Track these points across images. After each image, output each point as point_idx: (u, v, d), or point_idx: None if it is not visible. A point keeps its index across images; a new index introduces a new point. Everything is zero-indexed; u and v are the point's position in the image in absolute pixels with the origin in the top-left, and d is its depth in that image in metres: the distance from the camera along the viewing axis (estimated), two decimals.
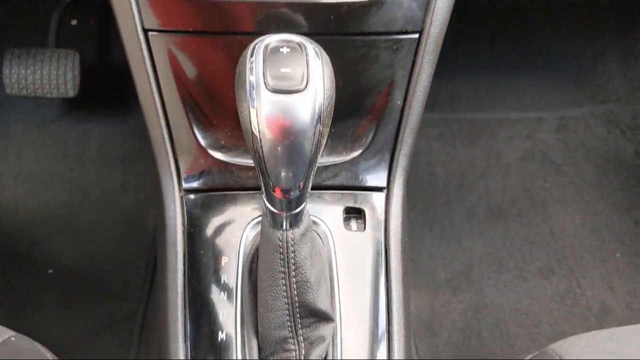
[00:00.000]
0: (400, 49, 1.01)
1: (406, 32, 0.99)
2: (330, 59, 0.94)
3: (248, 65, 0.79)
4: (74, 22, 2.17)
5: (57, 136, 2.14)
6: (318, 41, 0.95)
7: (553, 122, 2.20)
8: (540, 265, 1.89)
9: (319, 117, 0.78)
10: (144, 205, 2.02)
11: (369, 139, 1.09)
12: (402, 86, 1.04)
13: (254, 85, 0.78)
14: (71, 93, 1.92)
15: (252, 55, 0.80)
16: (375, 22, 0.97)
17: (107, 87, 2.14)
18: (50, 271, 1.84)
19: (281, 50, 0.80)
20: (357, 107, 1.06)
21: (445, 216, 2.03)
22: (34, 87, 1.90)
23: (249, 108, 0.77)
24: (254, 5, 0.94)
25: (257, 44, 0.81)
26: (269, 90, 0.76)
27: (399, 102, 1.05)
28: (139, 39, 0.97)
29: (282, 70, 0.77)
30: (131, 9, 0.95)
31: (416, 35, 1.00)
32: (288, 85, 0.77)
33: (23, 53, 1.90)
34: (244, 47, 0.93)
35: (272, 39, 0.82)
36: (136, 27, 0.97)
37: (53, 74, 1.89)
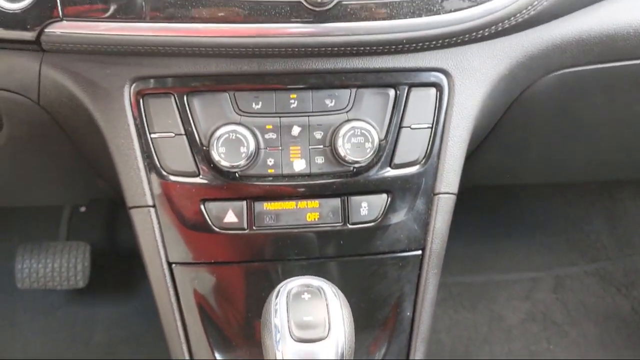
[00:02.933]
0: (406, 265, 1.09)
1: (410, 250, 1.08)
2: (341, 277, 1.01)
3: (272, 312, 0.86)
4: (82, 209, 2.27)
5: (64, 322, 2.15)
6: (329, 263, 1.03)
7: (549, 282, 2.26)
8: None
9: (342, 358, 0.83)
10: None
11: (382, 351, 1.14)
12: (410, 298, 1.11)
13: (279, 330, 0.84)
14: (81, 284, 1.97)
15: (276, 298, 0.88)
16: (382, 243, 1.06)
17: (114, 273, 2.19)
18: None
19: (302, 296, 0.87)
20: (369, 321, 1.11)
21: None
22: (45, 280, 1.96)
23: (275, 356, 0.83)
24: (273, 237, 1.03)
25: (280, 289, 0.89)
26: (294, 339, 0.82)
27: (408, 314, 1.12)
28: (164, 272, 1.05)
29: (305, 318, 0.84)
30: (157, 245, 1.04)
31: (419, 252, 1.08)
32: (312, 334, 0.83)
33: (35, 247, 1.98)
34: (264, 272, 1.01)
35: (293, 285, 0.89)
36: (161, 261, 1.04)
37: (64, 267, 1.96)
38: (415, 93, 1.04)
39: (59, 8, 0.90)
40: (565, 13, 1.03)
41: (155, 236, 1.04)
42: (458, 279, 2.28)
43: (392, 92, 1.03)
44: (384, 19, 0.93)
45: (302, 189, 1.03)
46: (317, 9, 0.90)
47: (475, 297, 2.24)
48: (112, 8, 0.90)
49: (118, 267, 2.22)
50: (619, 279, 2.25)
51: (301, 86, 1.02)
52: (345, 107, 1.03)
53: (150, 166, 1.01)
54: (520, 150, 1.47)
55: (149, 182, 1.02)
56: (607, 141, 1.45)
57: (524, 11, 0.96)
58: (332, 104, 1.02)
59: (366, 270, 1.09)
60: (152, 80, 1.00)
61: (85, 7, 0.90)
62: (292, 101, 1.02)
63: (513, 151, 1.46)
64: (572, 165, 1.63)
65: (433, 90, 1.04)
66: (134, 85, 0.99)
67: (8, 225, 2.19)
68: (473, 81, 1.05)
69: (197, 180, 1.02)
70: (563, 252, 2.32)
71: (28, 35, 0.92)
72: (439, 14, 0.94)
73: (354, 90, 1.03)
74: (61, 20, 0.90)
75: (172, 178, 1.02)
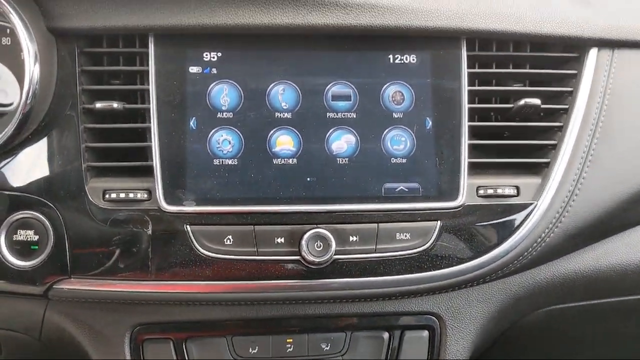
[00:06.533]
0: None
1: None
2: None
3: None
4: None
5: None
6: None
7: None
8: None
9: None
10: None
11: None
12: None
13: None
14: None
15: None
16: None
17: None
18: None
19: None
20: None
21: None
22: None
23: None
24: None
25: None
26: None
27: None
28: None
29: None
30: None
31: None
32: None
33: None
34: None
35: None
36: None
37: None
38: (409, 335, 1.07)
39: (69, 267, 0.94)
40: (550, 260, 1.09)
41: None
42: None
43: (386, 335, 1.06)
44: (377, 275, 0.98)
45: None
46: (313, 267, 0.95)
47: None
48: (119, 267, 0.94)
49: None
50: None
51: (297, 329, 1.04)
52: (340, 351, 1.05)
53: None
54: None
55: None
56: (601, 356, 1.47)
57: (510, 265, 1.01)
58: (328, 347, 1.04)
59: None
60: (151, 327, 1.02)
61: (93, 266, 0.94)
62: (288, 345, 1.04)
63: None
64: None
65: (426, 333, 1.07)
66: (134, 330, 1.02)
67: None
68: (464, 323, 1.08)
69: None
70: None
71: (36, 290, 0.95)
72: (430, 270, 0.98)
73: (349, 333, 1.05)
74: (69, 277, 0.94)
75: None
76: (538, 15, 1.03)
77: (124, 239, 0.94)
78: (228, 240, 0.95)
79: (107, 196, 0.95)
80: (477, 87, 1.04)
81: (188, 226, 0.95)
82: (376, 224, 0.98)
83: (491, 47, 1.05)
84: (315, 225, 0.96)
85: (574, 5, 1.08)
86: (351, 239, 0.97)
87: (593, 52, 1.06)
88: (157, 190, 0.94)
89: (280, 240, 0.95)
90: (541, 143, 1.05)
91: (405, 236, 0.98)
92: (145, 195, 0.95)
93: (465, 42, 1.02)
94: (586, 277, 1.11)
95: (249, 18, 0.95)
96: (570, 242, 1.05)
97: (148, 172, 0.96)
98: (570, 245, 1.07)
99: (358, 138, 0.99)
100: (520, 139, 1.06)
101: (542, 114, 1.06)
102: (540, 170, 1.04)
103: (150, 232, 0.94)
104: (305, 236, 0.94)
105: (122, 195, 0.95)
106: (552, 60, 1.07)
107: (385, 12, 0.97)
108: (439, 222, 0.98)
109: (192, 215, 0.95)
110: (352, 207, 0.97)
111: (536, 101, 1.03)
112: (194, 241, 0.94)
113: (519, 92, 1.06)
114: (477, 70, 1.04)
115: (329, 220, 0.96)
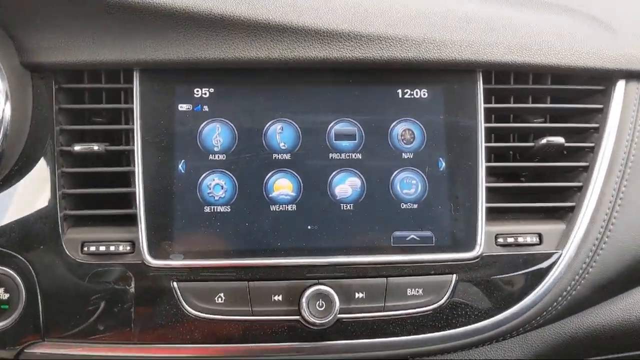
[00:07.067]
0: None
1: None
2: None
3: None
4: None
5: None
6: None
7: None
8: None
9: None
10: None
11: None
12: None
13: None
14: None
15: None
16: None
17: None
18: None
19: None
20: None
21: None
22: None
23: None
24: None
25: None
26: None
27: None
28: None
29: None
30: None
31: None
32: None
33: None
34: None
35: None
36: None
37: None
38: None
39: (42, 329, 0.84)
40: (575, 313, 0.99)
41: None
42: None
43: None
44: (386, 335, 0.88)
45: None
46: (315, 328, 0.86)
47: None
48: (98, 329, 0.85)
49: None
50: None
51: None
52: None
53: None
54: None
55: None
56: None
57: (533, 321, 0.92)
58: None
59: None
60: None
61: (69, 327, 0.85)
62: None
63: None
64: None
65: None
66: None
67: None
68: None
69: None
70: None
71: (5, 354, 0.86)
72: (445, 329, 0.89)
73: None
74: (43, 340, 0.85)
75: None
76: (559, 45, 0.94)
77: (104, 297, 0.85)
78: (219, 299, 0.86)
79: (85, 249, 0.86)
80: (494, 124, 0.95)
81: (175, 283, 0.85)
82: (385, 279, 0.88)
83: (508, 79, 0.96)
84: (317, 281, 0.86)
85: (598, 32, 0.98)
86: (357, 295, 0.87)
87: (620, 85, 0.97)
88: (141, 242, 0.85)
89: (277, 298, 0.86)
90: (565, 185, 0.95)
91: (417, 292, 0.88)
92: (128, 248, 0.86)
93: (481, 74, 0.93)
94: (614, 329, 1.01)
95: (244, 51, 0.86)
96: (598, 294, 0.96)
97: (131, 220, 0.87)
98: (598, 297, 0.97)
99: (364, 181, 0.90)
100: (542, 180, 0.97)
101: (565, 152, 0.97)
102: (564, 215, 0.95)
103: (133, 289, 0.85)
104: (306, 294, 0.85)
105: (102, 247, 0.85)
106: (575, 93, 0.98)
107: (393, 44, 0.88)
108: (454, 275, 0.89)
109: (179, 270, 0.86)
110: (357, 259, 0.88)
111: (559, 140, 0.94)
112: (182, 300, 0.85)
113: (539, 128, 0.97)
114: (494, 105, 0.95)
115: (332, 274, 0.87)
